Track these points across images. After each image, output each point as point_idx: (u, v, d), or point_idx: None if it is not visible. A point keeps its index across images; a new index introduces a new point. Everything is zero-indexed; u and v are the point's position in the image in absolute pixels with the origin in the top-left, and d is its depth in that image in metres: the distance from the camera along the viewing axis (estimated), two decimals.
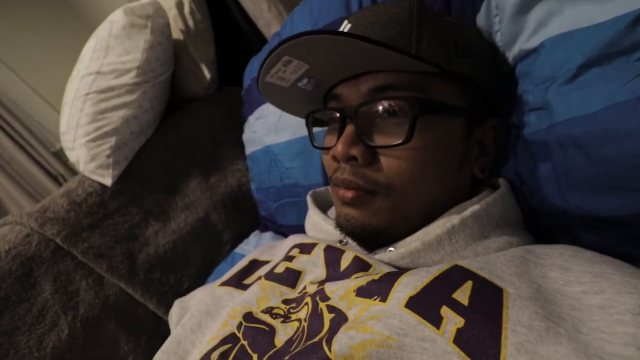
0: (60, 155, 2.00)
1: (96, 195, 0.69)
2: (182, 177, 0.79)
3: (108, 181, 0.69)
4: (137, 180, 0.73)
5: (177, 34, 0.83)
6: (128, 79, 0.71)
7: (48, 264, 0.61)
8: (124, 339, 0.65)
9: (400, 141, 0.30)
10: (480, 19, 0.39)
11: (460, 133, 0.34)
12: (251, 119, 0.73)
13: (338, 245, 0.37)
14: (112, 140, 0.69)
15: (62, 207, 0.66)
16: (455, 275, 0.26)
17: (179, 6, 0.81)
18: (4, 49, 1.74)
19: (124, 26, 0.72)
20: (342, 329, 0.25)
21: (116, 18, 0.73)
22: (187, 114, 0.86)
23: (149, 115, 0.75)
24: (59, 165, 2.01)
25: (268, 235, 0.72)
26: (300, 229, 0.48)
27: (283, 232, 0.71)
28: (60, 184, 1.97)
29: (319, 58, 0.30)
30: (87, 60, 0.72)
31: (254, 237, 0.75)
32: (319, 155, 0.57)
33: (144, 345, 0.67)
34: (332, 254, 0.35)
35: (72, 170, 2.00)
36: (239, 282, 0.41)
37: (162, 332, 0.67)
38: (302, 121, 0.42)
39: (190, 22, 0.82)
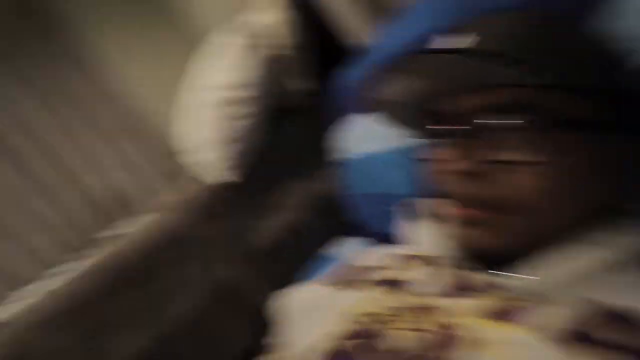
0: (178, 158, 2.27)
1: (218, 193, 0.86)
2: (285, 179, 0.92)
3: (230, 180, 0.85)
4: (251, 180, 0.88)
5: (279, 51, 0.93)
6: (246, 93, 0.84)
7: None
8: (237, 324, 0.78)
9: (529, 159, 0.28)
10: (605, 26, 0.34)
11: (591, 151, 0.30)
12: (345, 127, 0.76)
13: (448, 261, 0.35)
14: (234, 146, 0.84)
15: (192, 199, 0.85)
16: (594, 310, 0.24)
17: (280, 25, 0.91)
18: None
19: (237, 45, 0.85)
20: (456, 348, 0.25)
21: (227, 38, 0.87)
22: (289, 122, 0.98)
23: (262, 124, 0.89)
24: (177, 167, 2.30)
25: (362, 241, 0.74)
26: (394, 239, 0.48)
27: (377, 239, 0.72)
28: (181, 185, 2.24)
29: (429, 72, 0.30)
30: (207, 74, 0.87)
31: (348, 241, 0.78)
32: (414, 166, 0.56)
33: (250, 333, 0.76)
34: (444, 271, 0.34)
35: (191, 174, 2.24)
36: (339, 283, 0.42)
37: (265, 324, 0.75)
38: (397, 131, 0.41)
39: (291, 39, 0.92)
